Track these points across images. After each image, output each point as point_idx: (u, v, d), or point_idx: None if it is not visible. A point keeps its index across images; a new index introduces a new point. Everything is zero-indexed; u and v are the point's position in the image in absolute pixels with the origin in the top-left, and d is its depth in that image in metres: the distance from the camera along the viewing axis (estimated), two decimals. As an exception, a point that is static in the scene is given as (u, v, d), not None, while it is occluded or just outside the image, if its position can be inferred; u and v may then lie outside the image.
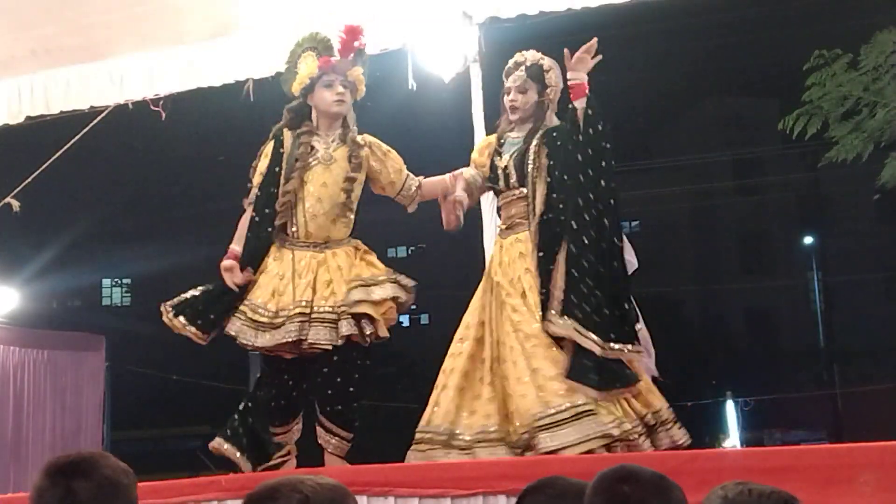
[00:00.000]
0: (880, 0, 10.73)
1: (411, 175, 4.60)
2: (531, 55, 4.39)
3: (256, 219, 4.40)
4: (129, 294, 30.25)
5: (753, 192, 29.16)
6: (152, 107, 5.84)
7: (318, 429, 4.33)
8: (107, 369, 12.61)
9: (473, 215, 4.80)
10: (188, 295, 4.39)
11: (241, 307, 4.26)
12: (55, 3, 5.46)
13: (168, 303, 4.38)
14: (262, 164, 4.44)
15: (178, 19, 5.54)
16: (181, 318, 4.33)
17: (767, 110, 25.83)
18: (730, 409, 22.61)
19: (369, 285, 4.31)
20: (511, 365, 4.08)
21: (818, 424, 24.02)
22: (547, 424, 3.90)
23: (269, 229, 4.37)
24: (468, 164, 4.70)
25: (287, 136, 4.43)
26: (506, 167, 4.35)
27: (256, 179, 4.44)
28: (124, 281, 29.93)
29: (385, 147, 4.56)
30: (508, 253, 4.30)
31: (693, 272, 29.14)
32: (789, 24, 22.42)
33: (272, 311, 4.22)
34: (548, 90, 4.34)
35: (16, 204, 6.36)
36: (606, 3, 5.07)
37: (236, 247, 4.38)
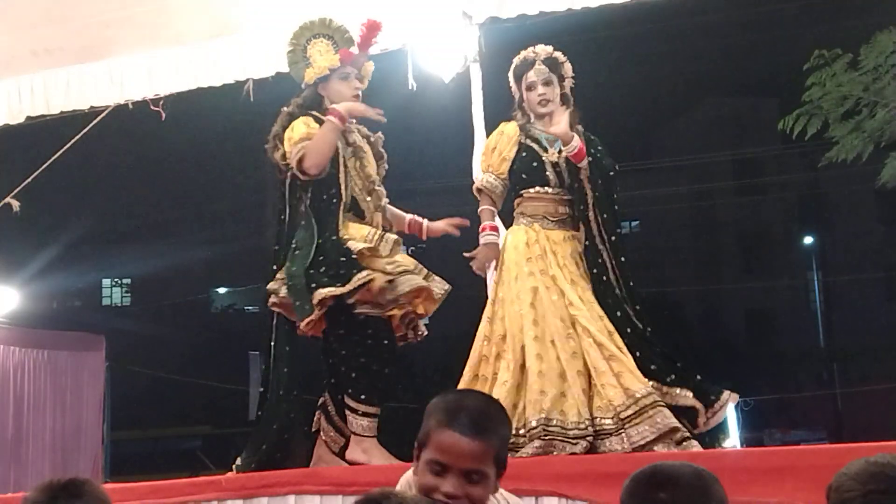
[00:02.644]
0: (880, 0, 10.74)
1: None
2: (541, 49, 4.43)
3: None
4: (129, 294, 30.22)
5: (753, 192, 29.15)
6: (152, 107, 5.84)
7: (348, 415, 4.25)
8: (107, 369, 12.62)
9: (473, 215, 4.80)
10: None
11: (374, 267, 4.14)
12: (55, 3, 5.46)
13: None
14: (304, 128, 4.24)
15: (178, 19, 5.54)
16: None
17: (767, 110, 25.84)
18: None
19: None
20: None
21: (818, 424, 24.02)
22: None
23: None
24: (468, 164, 4.70)
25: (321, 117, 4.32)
26: (556, 163, 4.34)
27: (304, 134, 4.22)
28: (124, 281, 29.90)
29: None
30: (562, 247, 4.28)
31: (693, 272, 29.13)
32: (789, 24, 22.45)
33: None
34: (565, 82, 4.42)
35: (16, 204, 6.35)
36: (606, 3, 5.06)
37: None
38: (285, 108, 4.39)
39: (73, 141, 6.22)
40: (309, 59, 4.38)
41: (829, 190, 26.78)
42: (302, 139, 4.19)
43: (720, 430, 23.03)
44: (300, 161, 4.16)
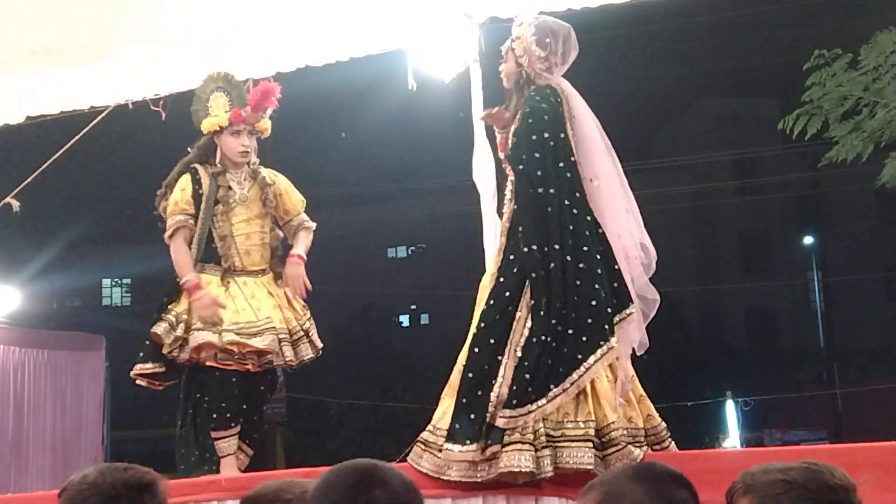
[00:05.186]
0: (880, 0, 10.75)
1: (306, 216, 4.91)
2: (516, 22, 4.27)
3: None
4: (129, 294, 30.22)
5: (753, 192, 29.18)
6: (152, 107, 5.83)
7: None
8: (107, 369, 12.60)
9: (473, 215, 4.80)
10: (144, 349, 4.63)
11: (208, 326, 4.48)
12: (55, 3, 5.45)
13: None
14: (182, 196, 4.69)
15: (178, 19, 5.53)
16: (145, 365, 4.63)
17: (767, 110, 25.86)
18: (730, 409, 22.62)
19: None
20: None
21: (818, 424, 24.03)
22: None
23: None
24: (468, 164, 4.71)
25: (202, 172, 4.72)
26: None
27: (180, 208, 4.67)
28: (124, 281, 29.91)
29: (287, 183, 4.90)
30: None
31: (693, 272, 29.14)
32: (789, 24, 22.44)
33: (244, 322, 4.50)
34: (521, 59, 4.16)
35: (16, 204, 6.34)
36: (606, 3, 5.06)
37: (193, 275, 4.61)
38: (189, 151, 4.82)
39: (73, 141, 6.21)
40: (209, 110, 4.77)
41: (829, 190, 26.78)
42: (180, 212, 4.68)
43: (720, 430, 23.06)
44: (172, 235, 4.72)
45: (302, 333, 4.67)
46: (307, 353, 4.67)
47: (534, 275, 3.76)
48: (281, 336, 4.55)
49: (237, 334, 4.44)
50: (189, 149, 4.84)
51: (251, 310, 4.54)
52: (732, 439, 22.24)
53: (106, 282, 29.93)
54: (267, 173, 4.85)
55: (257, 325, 4.50)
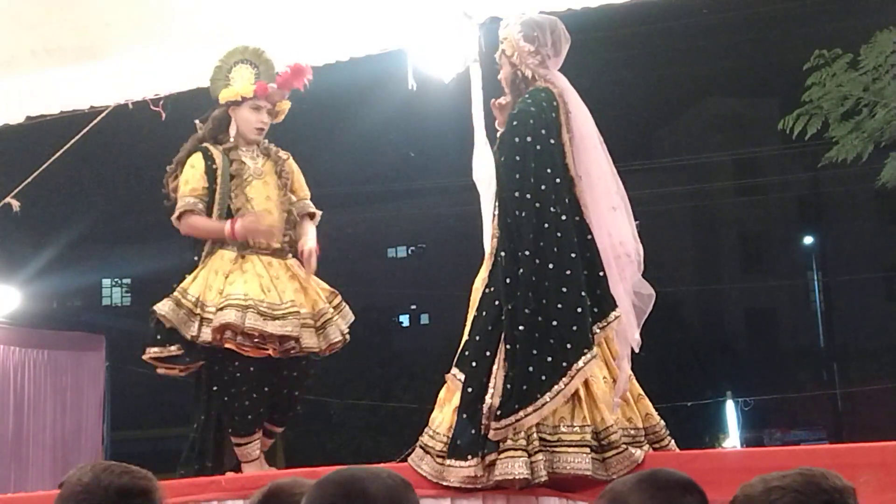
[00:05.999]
0: (880, 0, 10.76)
1: (311, 203, 4.78)
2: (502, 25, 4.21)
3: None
4: (129, 294, 30.25)
5: (753, 192, 29.18)
6: (152, 107, 5.83)
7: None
8: (107, 369, 12.62)
9: (473, 215, 4.80)
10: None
11: (230, 301, 4.27)
12: (55, 3, 5.44)
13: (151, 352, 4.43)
14: (193, 174, 4.52)
15: (178, 19, 5.53)
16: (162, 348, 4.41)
17: (767, 110, 25.86)
18: (730, 409, 22.63)
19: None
20: None
21: (818, 424, 24.05)
22: None
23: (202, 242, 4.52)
24: (468, 164, 4.71)
25: (213, 150, 4.56)
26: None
27: (191, 188, 4.51)
28: (124, 281, 29.94)
29: (296, 166, 4.79)
30: None
31: (693, 272, 29.14)
32: (789, 24, 22.45)
33: (269, 303, 4.31)
34: (512, 58, 4.09)
35: (16, 204, 6.33)
36: (606, 3, 5.05)
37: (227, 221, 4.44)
38: (198, 124, 4.69)
39: (73, 141, 6.20)
40: (230, 81, 4.63)
41: (829, 190, 26.81)
42: (191, 194, 4.49)
43: (720, 430, 23.07)
44: (180, 217, 4.50)
45: (329, 316, 4.48)
46: (335, 336, 4.47)
47: (501, 281, 3.74)
48: (304, 322, 4.37)
49: (261, 315, 4.25)
50: (199, 122, 4.70)
51: (276, 291, 4.37)
52: (732, 439, 22.26)
53: (106, 282, 29.96)
54: (280, 151, 4.73)
55: (281, 307, 4.32)
